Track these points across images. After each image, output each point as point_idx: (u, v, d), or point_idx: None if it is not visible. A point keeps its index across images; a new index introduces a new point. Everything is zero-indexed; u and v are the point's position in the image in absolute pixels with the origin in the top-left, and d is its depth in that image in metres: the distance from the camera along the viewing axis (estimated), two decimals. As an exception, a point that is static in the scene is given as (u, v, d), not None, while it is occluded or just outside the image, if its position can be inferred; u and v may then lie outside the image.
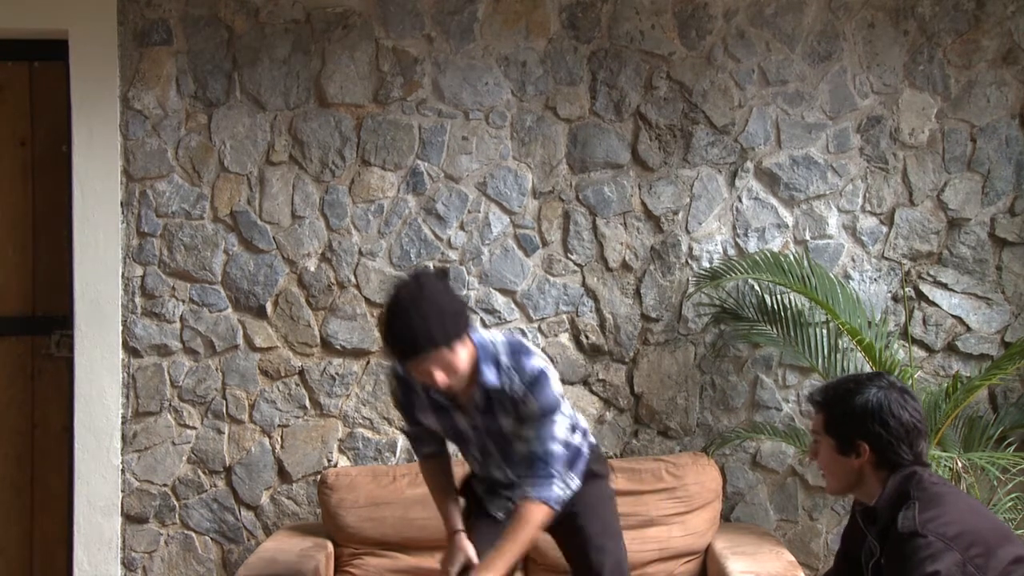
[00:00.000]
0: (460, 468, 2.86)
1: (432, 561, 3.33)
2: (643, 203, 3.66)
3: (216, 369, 3.68)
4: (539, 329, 3.67)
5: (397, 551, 3.36)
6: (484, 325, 3.65)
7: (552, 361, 3.63)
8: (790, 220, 3.66)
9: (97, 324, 3.63)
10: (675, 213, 3.66)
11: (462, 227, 3.67)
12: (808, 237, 3.65)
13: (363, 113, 3.66)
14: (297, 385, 3.68)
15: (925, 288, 3.65)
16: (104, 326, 3.63)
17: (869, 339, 3.25)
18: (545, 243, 3.67)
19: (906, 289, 3.65)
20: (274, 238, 3.67)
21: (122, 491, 3.66)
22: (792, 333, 3.49)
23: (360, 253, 3.66)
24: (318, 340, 3.67)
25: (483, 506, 2.78)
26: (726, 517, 3.63)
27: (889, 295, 3.66)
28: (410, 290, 2.38)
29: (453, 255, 3.66)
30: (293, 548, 3.28)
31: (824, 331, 3.48)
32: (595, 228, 3.67)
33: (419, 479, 3.38)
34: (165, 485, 3.68)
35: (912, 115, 3.65)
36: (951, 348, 3.65)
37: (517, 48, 3.66)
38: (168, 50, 3.65)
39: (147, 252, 3.67)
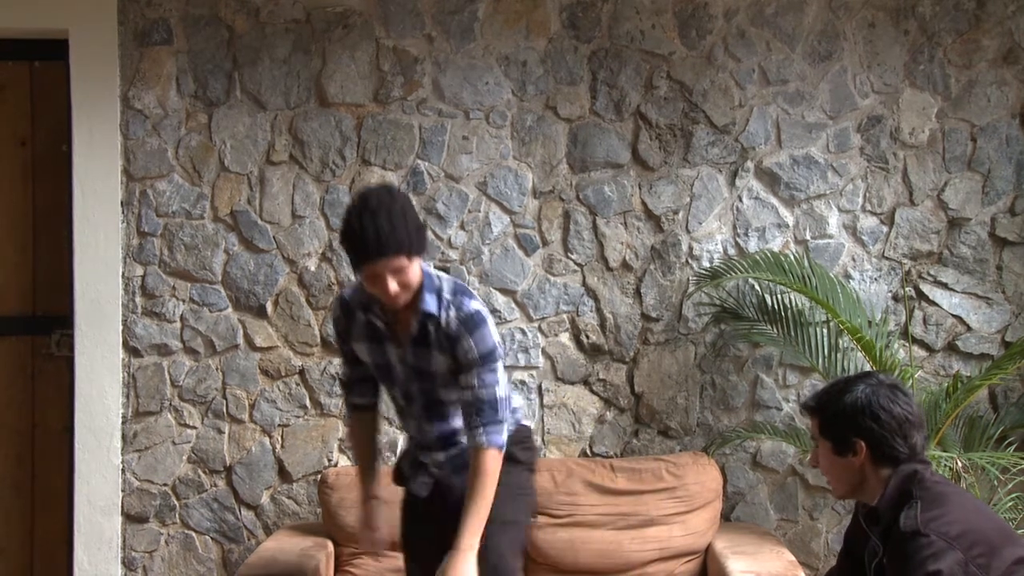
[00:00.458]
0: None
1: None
2: (643, 203, 3.66)
3: (216, 369, 3.68)
4: (539, 329, 3.67)
5: (397, 551, 3.35)
6: (484, 325, 3.66)
7: (552, 361, 3.65)
8: (790, 220, 3.66)
9: (97, 324, 3.63)
10: (675, 213, 3.66)
11: (462, 227, 3.67)
12: (808, 237, 3.66)
13: (363, 113, 3.66)
14: (297, 385, 3.68)
15: (925, 288, 3.65)
16: (104, 326, 3.63)
17: (869, 339, 3.25)
18: (545, 243, 3.67)
19: (906, 289, 3.65)
20: (274, 238, 3.67)
21: (122, 491, 3.66)
22: (792, 333, 3.49)
23: (360, 253, 3.66)
24: (318, 340, 3.67)
25: (417, 512, 2.71)
26: (726, 517, 3.63)
27: (889, 295, 3.66)
28: (381, 195, 2.41)
29: (453, 255, 3.66)
30: (293, 548, 3.28)
31: (824, 331, 3.48)
32: (595, 228, 3.67)
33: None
34: (165, 485, 3.68)
35: (912, 115, 3.65)
36: (951, 348, 3.65)
37: (517, 48, 3.66)
38: (168, 50, 3.65)
39: (147, 252, 3.67)
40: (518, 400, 2.73)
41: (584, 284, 3.67)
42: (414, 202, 3.64)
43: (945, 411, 3.27)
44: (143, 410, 3.67)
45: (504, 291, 3.67)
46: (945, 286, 3.65)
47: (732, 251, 3.66)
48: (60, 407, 3.72)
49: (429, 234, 3.65)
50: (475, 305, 2.49)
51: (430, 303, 2.47)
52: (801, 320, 3.50)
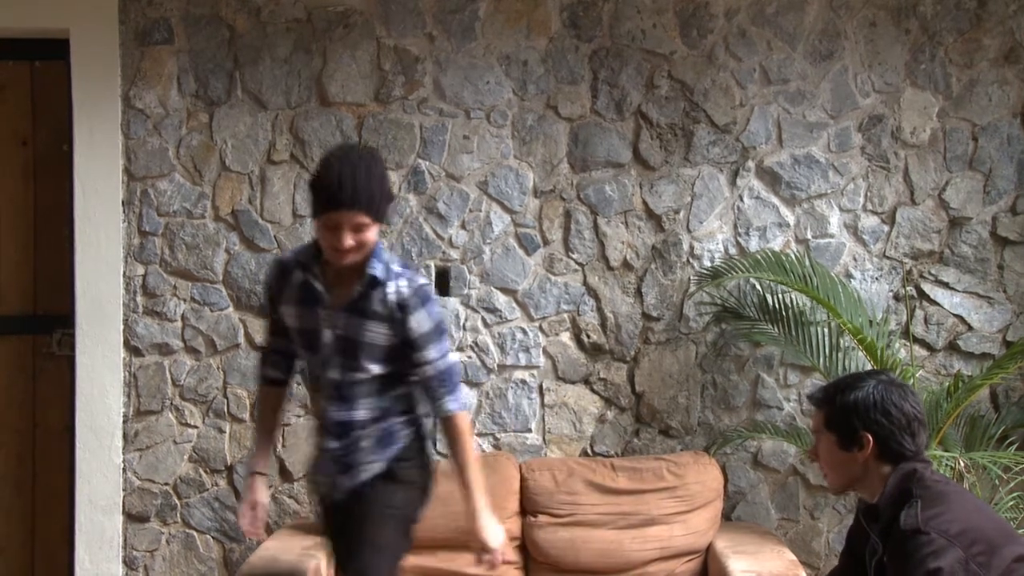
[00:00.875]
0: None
1: (434, 560, 3.33)
2: (644, 202, 3.66)
3: (217, 368, 3.68)
4: (540, 328, 3.67)
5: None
6: (485, 324, 3.66)
7: (553, 360, 3.65)
8: (791, 219, 3.66)
9: (98, 323, 3.63)
10: (676, 212, 3.66)
11: (463, 226, 3.67)
12: (809, 236, 3.65)
13: (364, 112, 3.66)
14: (298, 384, 3.67)
15: (926, 287, 3.65)
16: (105, 325, 3.63)
17: (870, 338, 3.25)
18: (546, 242, 3.67)
19: (907, 288, 3.64)
20: (275, 237, 3.67)
21: (123, 490, 3.66)
22: (793, 332, 3.49)
23: (361, 252, 3.66)
24: (319, 339, 3.67)
25: (328, 515, 2.66)
26: (727, 516, 3.63)
27: (890, 294, 3.66)
28: (364, 154, 2.45)
29: (454, 254, 3.66)
30: (294, 547, 3.28)
31: (825, 330, 3.48)
32: (596, 227, 3.67)
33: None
34: (166, 484, 3.68)
35: (914, 114, 3.64)
36: (952, 347, 3.65)
37: (518, 47, 3.66)
38: (169, 49, 3.65)
39: (148, 251, 3.67)
40: (429, 421, 2.67)
41: (585, 283, 3.67)
42: (414, 202, 3.65)
43: (946, 410, 3.26)
44: (144, 409, 3.67)
45: (505, 290, 3.67)
46: (946, 285, 3.65)
47: (733, 250, 3.66)
48: (61, 406, 3.73)
49: (431, 233, 3.65)
50: (424, 280, 2.53)
51: (378, 270, 2.45)
52: (802, 320, 3.50)
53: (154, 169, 3.66)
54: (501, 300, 3.67)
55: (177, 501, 3.69)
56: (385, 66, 3.66)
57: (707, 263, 3.64)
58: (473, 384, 3.67)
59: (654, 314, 3.66)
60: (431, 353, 2.49)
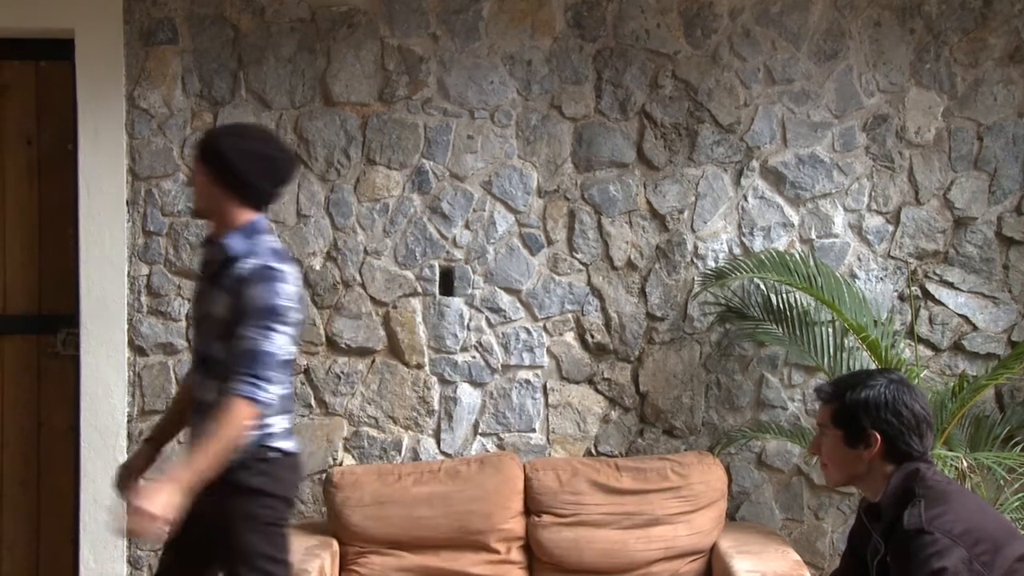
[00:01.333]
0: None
1: (437, 560, 3.33)
2: (648, 202, 3.66)
3: (221, 368, 3.68)
4: (544, 328, 3.67)
5: (402, 549, 3.36)
6: (489, 324, 3.66)
7: (557, 360, 3.64)
8: (796, 219, 3.66)
9: (103, 323, 3.63)
10: (680, 212, 3.65)
11: (467, 226, 3.67)
12: (814, 236, 3.65)
13: (368, 112, 3.67)
14: (303, 384, 3.68)
15: (931, 287, 3.64)
16: (110, 325, 3.64)
17: (875, 338, 3.24)
18: (550, 242, 3.67)
19: (912, 288, 3.64)
20: (279, 237, 3.67)
21: (128, 489, 3.67)
22: (798, 332, 3.48)
23: (365, 252, 3.66)
24: (323, 339, 3.67)
25: None
26: (731, 516, 3.62)
27: (895, 294, 3.65)
28: (248, 129, 2.69)
29: (458, 254, 3.66)
30: (299, 546, 3.26)
31: (830, 330, 3.47)
32: (600, 227, 3.66)
33: (424, 478, 3.40)
34: (171, 483, 3.68)
35: (918, 114, 3.64)
36: (957, 347, 3.64)
37: (522, 47, 3.66)
38: (174, 49, 3.66)
39: (153, 251, 3.67)
40: (281, 421, 2.49)
41: (589, 283, 3.67)
42: (418, 201, 3.65)
43: (951, 411, 3.26)
44: (149, 409, 3.67)
45: (509, 290, 3.67)
46: (951, 285, 3.64)
47: (737, 250, 3.65)
48: (66, 406, 3.73)
49: (435, 233, 3.65)
50: (280, 266, 2.41)
51: (235, 243, 2.44)
52: (806, 319, 3.49)
53: (158, 169, 3.67)
54: (505, 300, 3.67)
55: (181, 501, 3.69)
56: (389, 66, 3.66)
57: (711, 263, 3.63)
58: (477, 384, 3.67)
59: (658, 314, 3.66)
60: (249, 331, 2.35)
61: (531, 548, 3.41)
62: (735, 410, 3.66)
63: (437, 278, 3.66)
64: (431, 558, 3.33)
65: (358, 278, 3.67)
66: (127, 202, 3.66)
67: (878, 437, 2.15)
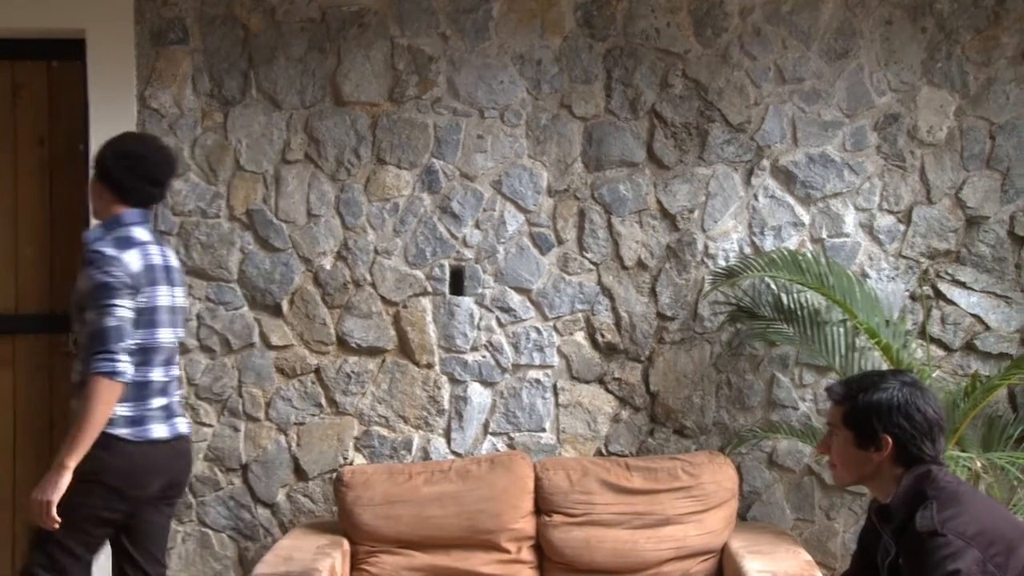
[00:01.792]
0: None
1: (447, 559, 3.34)
2: (659, 201, 3.66)
3: (232, 367, 3.69)
4: (555, 327, 3.66)
5: (413, 549, 3.36)
6: (500, 324, 3.66)
7: (567, 359, 3.64)
8: (806, 218, 3.65)
9: (114, 322, 3.64)
10: (691, 211, 3.65)
11: (477, 225, 3.67)
12: (825, 235, 3.64)
13: (378, 111, 3.67)
14: (313, 383, 3.69)
15: (943, 287, 3.63)
16: (121, 324, 3.64)
17: (886, 338, 3.23)
18: (560, 241, 3.67)
19: (924, 288, 3.62)
20: (290, 236, 3.68)
21: (139, 488, 3.67)
22: (809, 332, 3.47)
23: (375, 251, 3.67)
24: (334, 338, 3.68)
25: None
26: (742, 516, 3.62)
27: (907, 294, 3.64)
28: (136, 135, 3.10)
29: (468, 253, 3.66)
30: (309, 546, 3.28)
31: (841, 330, 3.46)
32: (610, 226, 3.66)
33: (435, 477, 3.40)
34: (182, 483, 3.69)
35: (930, 112, 3.62)
36: (969, 347, 3.63)
37: (532, 46, 3.65)
38: (184, 49, 3.67)
39: (164, 250, 3.68)
40: (122, 409, 2.63)
41: (599, 283, 3.67)
42: (428, 201, 3.65)
43: (963, 411, 3.24)
44: (159, 408, 3.68)
45: (519, 290, 3.67)
46: (963, 285, 3.62)
47: (748, 250, 3.64)
48: (77, 405, 3.74)
49: (445, 232, 3.65)
50: (102, 247, 2.62)
51: (90, 234, 2.69)
52: (817, 319, 3.48)
53: (169, 169, 3.67)
54: (515, 299, 3.67)
55: (192, 499, 3.70)
56: (399, 65, 3.66)
57: (722, 262, 3.63)
58: (487, 383, 3.67)
59: (669, 313, 3.65)
60: (90, 313, 2.58)
61: (541, 548, 3.41)
62: (746, 410, 3.65)
63: (447, 278, 3.66)
64: (442, 557, 3.33)
65: (368, 278, 3.67)
66: (138, 202, 3.67)
67: (889, 440, 2.14)
